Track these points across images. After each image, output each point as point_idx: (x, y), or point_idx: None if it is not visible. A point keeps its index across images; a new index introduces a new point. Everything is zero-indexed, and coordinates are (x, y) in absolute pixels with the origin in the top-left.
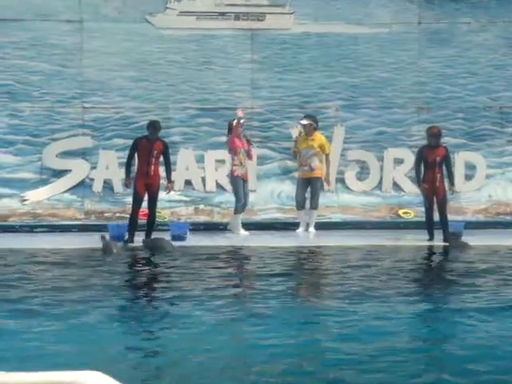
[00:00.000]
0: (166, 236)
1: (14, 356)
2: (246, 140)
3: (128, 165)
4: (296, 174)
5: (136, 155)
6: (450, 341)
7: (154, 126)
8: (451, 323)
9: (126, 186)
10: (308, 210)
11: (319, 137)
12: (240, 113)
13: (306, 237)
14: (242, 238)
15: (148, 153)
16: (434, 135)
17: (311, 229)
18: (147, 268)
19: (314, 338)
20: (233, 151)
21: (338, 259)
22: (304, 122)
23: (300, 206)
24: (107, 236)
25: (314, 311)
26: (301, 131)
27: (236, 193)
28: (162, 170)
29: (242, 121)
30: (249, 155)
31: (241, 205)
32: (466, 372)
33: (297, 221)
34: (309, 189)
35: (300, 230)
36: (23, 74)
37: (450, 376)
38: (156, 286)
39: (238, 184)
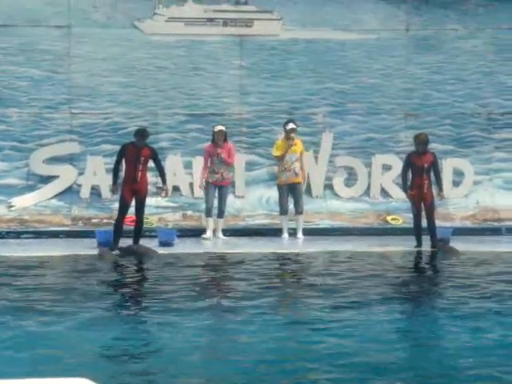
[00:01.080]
0: (154, 242)
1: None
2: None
3: (115, 170)
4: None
5: (123, 161)
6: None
7: (142, 134)
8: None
9: (113, 192)
10: (294, 215)
11: (299, 141)
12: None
13: (294, 243)
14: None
15: (135, 159)
16: (422, 142)
17: (299, 235)
18: (129, 274)
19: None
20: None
21: (323, 265)
22: (293, 125)
23: (285, 211)
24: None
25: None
26: (289, 137)
27: (205, 197)
28: (150, 176)
29: (216, 129)
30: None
31: (206, 208)
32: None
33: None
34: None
35: (285, 235)
36: (11, 79)
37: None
38: (138, 292)
39: (206, 188)
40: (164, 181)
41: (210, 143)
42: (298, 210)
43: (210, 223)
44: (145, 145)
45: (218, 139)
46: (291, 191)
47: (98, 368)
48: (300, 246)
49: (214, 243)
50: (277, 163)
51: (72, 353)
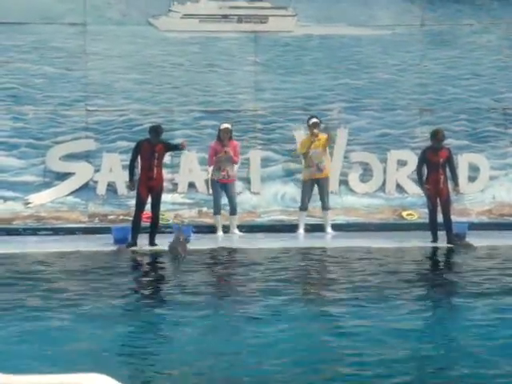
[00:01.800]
0: (170, 238)
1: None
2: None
3: (131, 167)
4: (300, 176)
5: (139, 158)
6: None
7: (156, 131)
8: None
9: (130, 188)
10: (321, 212)
11: (323, 137)
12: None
13: (325, 238)
14: (234, 239)
15: (150, 155)
16: (439, 139)
17: (329, 230)
18: (147, 271)
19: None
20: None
21: (345, 260)
22: (316, 120)
23: (304, 207)
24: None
25: (320, 310)
26: (313, 132)
27: (212, 195)
28: (165, 173)
29: (222, 127)
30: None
31: (215, 207)
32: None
33: (317, 222)
34: (316, 190)
35: (301, 231)
36: (27, 77)
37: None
38: (154, 289)
39: (212, 187)
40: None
41: (215, 141)
42: (324, 206)
43: (219, 221)
44: (159, 141)
45: (224, 137)
46: (315, 187)
47: (116, 364)
48: (321, 241)
49: (230, 239)
50: (293, 159)
51: (90, 349)
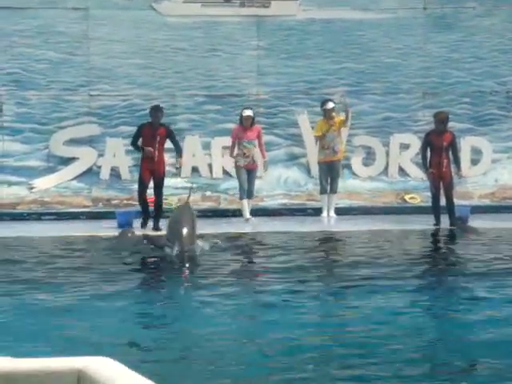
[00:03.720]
0: None
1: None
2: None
3: (134, 146)
4: (305, 160)
5: (141, 141)
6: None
7: (156, 109)
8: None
9: (148, 153)
10: (328, 194)
11: (339, 118)
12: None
13: (331, 221)
14: (249, 223)
15: (151, 138)
16: (442, 120)
17: (332, 213)
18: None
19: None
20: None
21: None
22: (333, 104)
23: (324, 190)
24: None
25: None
26: (330, 116)
27: (238, 181)
28: (167, 157)
29: (245, 114)
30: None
31: (242, 191)
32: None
33: (319, 206)
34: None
35: (324, 214)
36: (30, 62)
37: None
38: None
39: (238, 173)
40: (180, 153)
41: (237, 125)
42: (332, 189)
43: (246, 205)
44: (161, 124)
45: (246, 124)
46: (329, 169)
47: (121, 348)
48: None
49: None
50: (299, 144)
51: (101, 332)
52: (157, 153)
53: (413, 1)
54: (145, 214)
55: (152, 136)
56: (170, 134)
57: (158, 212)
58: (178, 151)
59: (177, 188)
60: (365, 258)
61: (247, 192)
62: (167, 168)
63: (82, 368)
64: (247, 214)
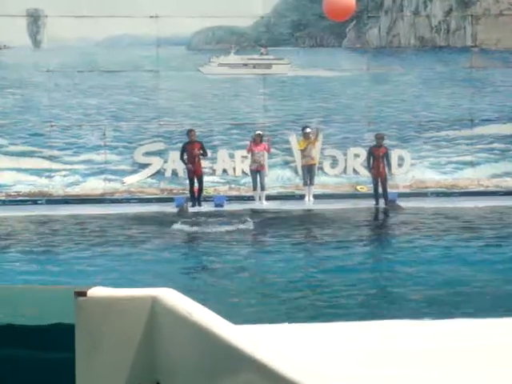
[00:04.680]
0: (211, 204)
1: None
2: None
3: (182, 159)
4: (294, 164)
5: (185, 154)
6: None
7: (188, 131)
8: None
9: (189, 167)
10: (308, 186)
11: (313, 137)
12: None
13: (310, 203)
14: (261, 204)
15: (191, 151)
16: (379, 139)
17: (311, 198)
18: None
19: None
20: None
21: (328, 217)
22: (309, 130)
23: (306, 183)
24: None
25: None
26: (308, 136)
27: (251, 178)
28: (206, 163)
29: (256, 133)
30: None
31: (254, 185)
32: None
33: (303, 193)
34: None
35: (306, 199)
36: (122, 103)
37: None
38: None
39: (251, 174)
40: (205, 155)
41: (252, 142)
42: (311, 182)
43: (257, 194)
44: (195, 141)
45: (256, 140)
46: (309, 170)
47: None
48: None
49: (262, 203)
50: (290, 154)
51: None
52: (196, 159)
53: (360, 64)
54: (192, 199)
55: (192, 149)
56: (202, 146)
57: (199, 197)
58: (205, 155)
59: (213, 182)
60: (330, 222)
61: (260, 186)
62: (206, 169)
63: (152, 297)
64: (258, 199)
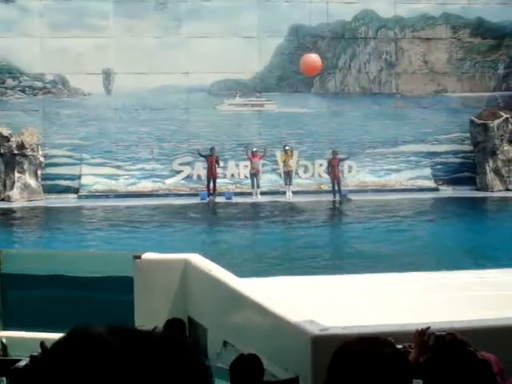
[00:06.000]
0: (223, 198)
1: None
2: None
3: (201, 156)
4: (280, 170)
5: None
6: None
7: (212, 149)
8: None
9: (200, 153)
10: (287, 185)
11: (291, 152)
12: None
13: (290, 197)
14: (256, 198)
15: (210, 162)
16: (334, 154)
17: (290, 194)
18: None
19: None
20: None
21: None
22: (288, 147)
23: (286, 183)
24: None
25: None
26: (287, 152)
27: (250, 180)
28: (219, 171)
29: (253, 149)
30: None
31: (252, 185)
32: None
33: (284, 190)
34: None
35: (287, 195)
36: (161, 130)
37: None
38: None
39: (251, 177)
40: (218, 165)
41: (250, 156)
42: (290, 183)
43: (254, 191)
44: (214, 155)
45: (254, 154)
46: (288, 175)
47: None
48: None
49: (258, 197)
50: (276, 164)
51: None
52: (213, 168)
53: (323, 104)
54: (209, 193)
55: (211, 160)
56: (217, 159)
57: (214, 192)
58: (219, 165)
59: (225, 183)
60: (300, 209)
61: (256, 185)
62: (219, 174)
63: (183, 260)
64: (255, 194)
